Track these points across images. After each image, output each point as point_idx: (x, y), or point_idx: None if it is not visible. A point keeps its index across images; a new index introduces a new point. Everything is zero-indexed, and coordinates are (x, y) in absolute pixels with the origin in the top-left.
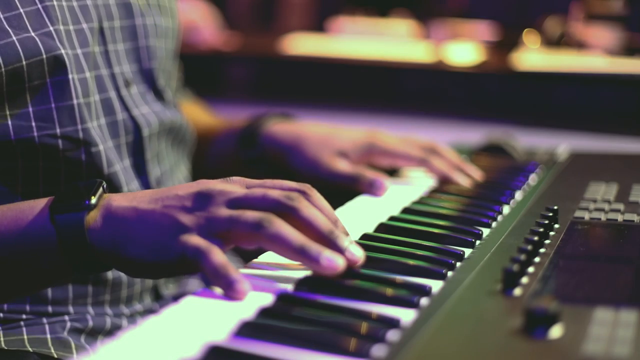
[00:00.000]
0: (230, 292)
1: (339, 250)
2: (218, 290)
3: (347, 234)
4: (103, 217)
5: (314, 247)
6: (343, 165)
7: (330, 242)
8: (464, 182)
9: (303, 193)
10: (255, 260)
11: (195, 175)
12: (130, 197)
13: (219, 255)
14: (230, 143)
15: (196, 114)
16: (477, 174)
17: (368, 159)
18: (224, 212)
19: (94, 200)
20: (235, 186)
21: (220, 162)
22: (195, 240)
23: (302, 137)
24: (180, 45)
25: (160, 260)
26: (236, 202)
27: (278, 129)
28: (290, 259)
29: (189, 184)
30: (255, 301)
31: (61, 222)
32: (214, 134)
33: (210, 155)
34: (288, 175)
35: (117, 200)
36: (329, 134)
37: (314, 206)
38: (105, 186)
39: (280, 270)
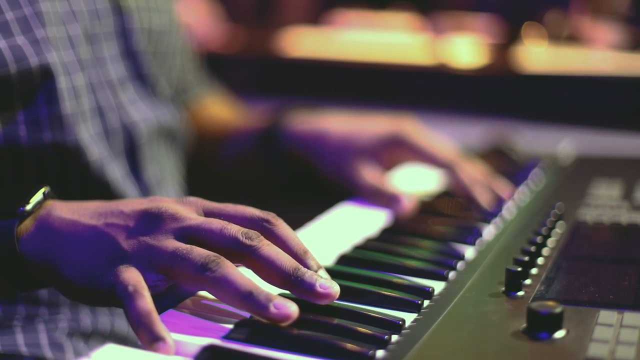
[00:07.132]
0: (150, 348)
1: (307, 287)
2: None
3: (319, 266)
4: (37, 227)
5: (262, 294)
6: (364, 175)
7: (295, 281)
8: (486, 201)
9: (267, 223)
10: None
11: (194, 178)
12: (75, 208)
13: (146, 302)
14: (246, 142)
15: (216, 112)
16: (505, 191)
17: (393, 153)
18: (170, 244)
19: (29, 207)
20: (189, 210)
21: (234, 162)
22: (127, 275)
23: (323, 138)
24: (190, 44)
25: (93, 287)
26: (188, 233)
27: (299, 128)
28: (236, 308)
29: (138, 200)
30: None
31: None
32: (228, 132)
33: (222, 155)
34: (310, 175)
35: (59, 210)
36: (350, 134)
37: (279, 237)
38: (47, 192)
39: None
